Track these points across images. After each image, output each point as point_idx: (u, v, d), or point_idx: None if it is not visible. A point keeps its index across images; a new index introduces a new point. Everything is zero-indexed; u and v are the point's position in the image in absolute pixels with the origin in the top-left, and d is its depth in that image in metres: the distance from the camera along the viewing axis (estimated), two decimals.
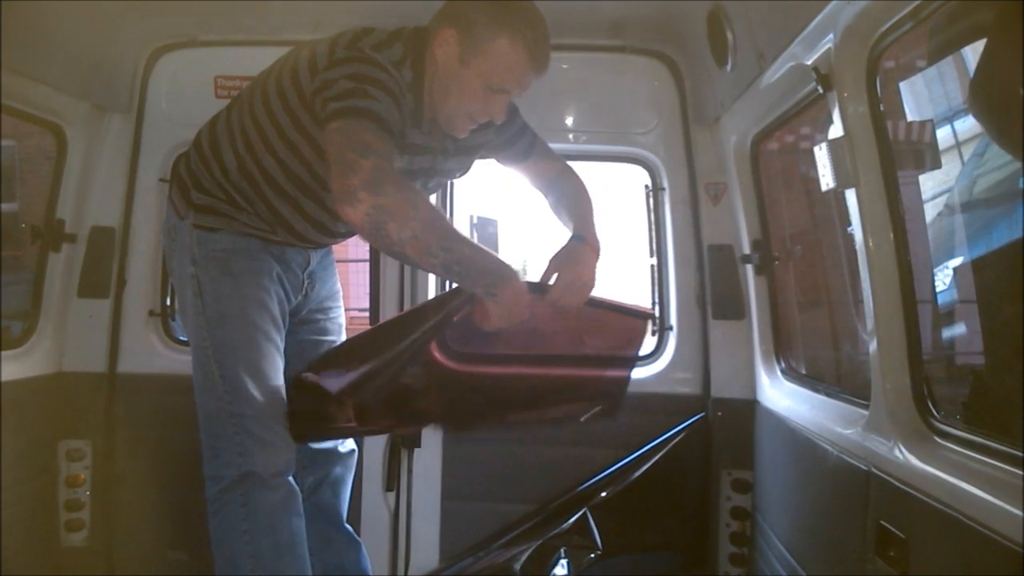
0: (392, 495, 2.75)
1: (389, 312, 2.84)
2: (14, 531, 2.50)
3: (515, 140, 2.20)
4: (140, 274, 2.83)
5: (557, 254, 2.02)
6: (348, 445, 2.32)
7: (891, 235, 1.64)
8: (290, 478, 1.98)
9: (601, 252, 2.08)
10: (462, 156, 2.13)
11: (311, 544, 2.20)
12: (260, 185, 1.96)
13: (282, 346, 2.02)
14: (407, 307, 2.85)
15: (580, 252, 2.03)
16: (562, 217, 2.19)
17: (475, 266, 1.72)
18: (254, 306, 1.97)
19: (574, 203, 2.19)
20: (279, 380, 1.99)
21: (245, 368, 1.94)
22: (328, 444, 2.26)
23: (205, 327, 1.97)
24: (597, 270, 2.04)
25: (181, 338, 2.84)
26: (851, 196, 1.75)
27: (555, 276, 1.98)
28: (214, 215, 1.98)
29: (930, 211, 2.96)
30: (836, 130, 1.75)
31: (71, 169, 2.74)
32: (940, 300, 2.89)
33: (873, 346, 1.68)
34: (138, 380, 2.78)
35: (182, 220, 2.01)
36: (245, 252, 1.99)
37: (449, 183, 2.72)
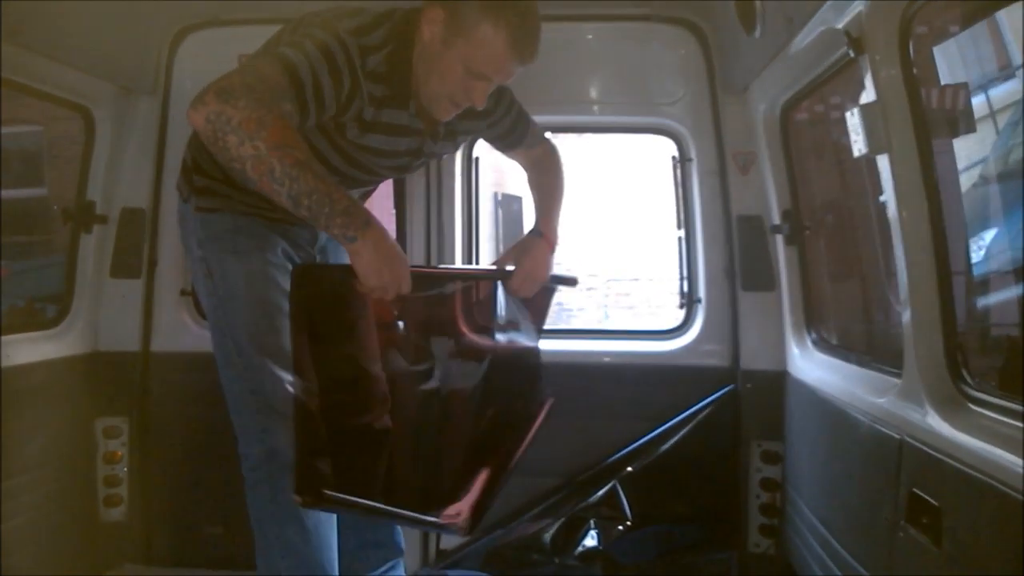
0: None
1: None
2: (55, 506, 2.57)
3: (508, 134, 2.19)
4: (171, 254, 2.86)
5: (515, 246, 2.11)
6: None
7: (925, 200, 1.61)
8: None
9: (557, 246, 2.16)
10: (452, 139, 2.12)
11: (346, 519, 2.24)
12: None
13: None
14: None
15: (537, 247, 2.11)
16: (534, 201, 2.26)
17: (328, 204, 1.61)
18: (261, 281, 1.97)
19: (544, 192, 2.24)
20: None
21: (260, 344, 1.94)
22: None
23: (219, 307, 1.99)
24: (551, 264, 2.14)
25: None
26: (883, 163, 1.72)
27: (510, 267, 2.07)
28: (214, 196, 1.99)
29: (965, 181, 2.92)
30: (868, 95, 1.72)
31: (100, 151, 2.78)
32: (974, 269, 2.85)
33: (906, 313, 1.66)
34: (172, 358, 2.82)
35: (186, 203, 2.03)
36: (248, 231, 1.99)
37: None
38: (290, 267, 2.00)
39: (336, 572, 2.04)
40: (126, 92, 2.78)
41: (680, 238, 2.86)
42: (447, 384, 2.04)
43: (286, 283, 1.96)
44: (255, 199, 1.97)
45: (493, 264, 2.11)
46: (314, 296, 1.77)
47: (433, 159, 2.34)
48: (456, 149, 2.22)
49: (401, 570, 2.43)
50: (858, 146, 1.74)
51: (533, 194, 2.28)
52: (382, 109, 1.84)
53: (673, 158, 2.84)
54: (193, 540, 2.76)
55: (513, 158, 2.32)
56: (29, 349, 2.52)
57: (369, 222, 1.66)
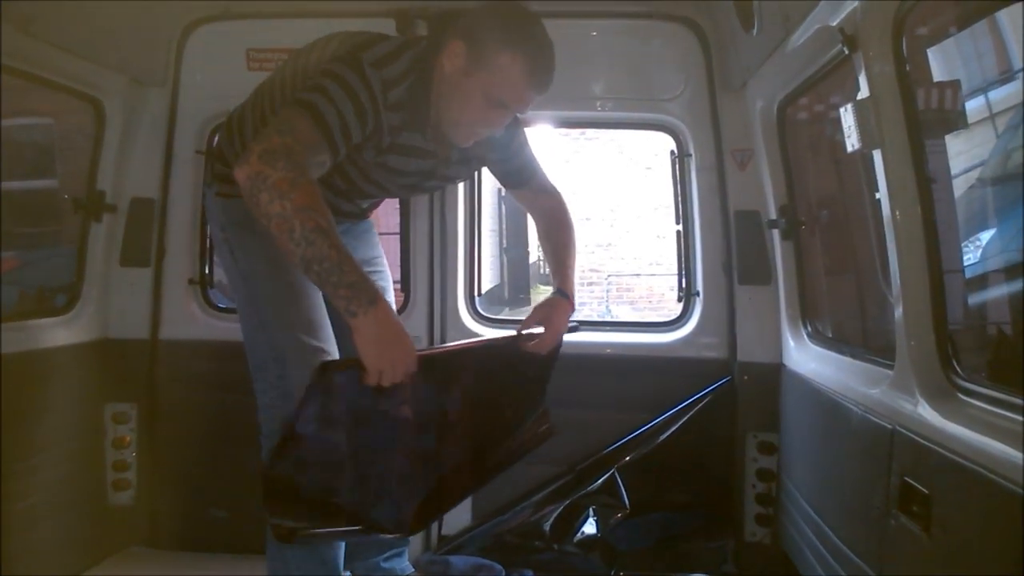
0: None
1: (420, 283, 2.91)
2: (64, 489, 2.63)
3: (518, 171, 2.29)
4: (179, 244, 2.91)
5: (541, 307, 2.20)
6: None
7: (916, 195, 1.65)
8: None
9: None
10: (465, 165, 2.21)
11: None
12: None
13: (319, 294, 2.04)
14: (437, 278, 2.90)
15: (563, 309, 2.21)
16: (546, 253, 2.35)
17: (338, 273, 1.67)
18: (282, 258, 1.96)
19: (561, 249, 2.32)
20: (320, 323, 2.02)
21: (283, 316, 2.00)
22: None
23: (242, 284, 2.07)
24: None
25: (220, 305, 2.94)
26: (877, 158, 1.76)
27: (537, 328, 2.14)
28: (234, 183, 2.03)
29: (963, 183, 2.95)
30: (862, 92, 1.76)
31: (110, 142, 2.82)
32: (971, 268, 2.89)
33: (898, 305, 1.70)
34: (179, 346, 2.87)
35: (210, 188, 2.11)
36: None
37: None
38: None
39: (341, 556, 2.09)
40: (136, 84, 2.83)
41: (678, 232, 2.90)
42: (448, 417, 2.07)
43: None
44: None
45: (520, 329, 2.15)
46: (337, 390, 1.80)
47: (447, 183, 2.43)
48: (470, 177, 2.34)
49: (405, 557, 2.48)
50: (851, 141, 1.78)
51: (547, 249, 2.35)
52: (399, 133, 1.94)
53: (672, 153, 2.88)
54: (200, 524, 2.81)
55: (521, 200, 2.41)
56: (40, 335, 2.57)
57: (374, 299, 1.70)
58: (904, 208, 1.67)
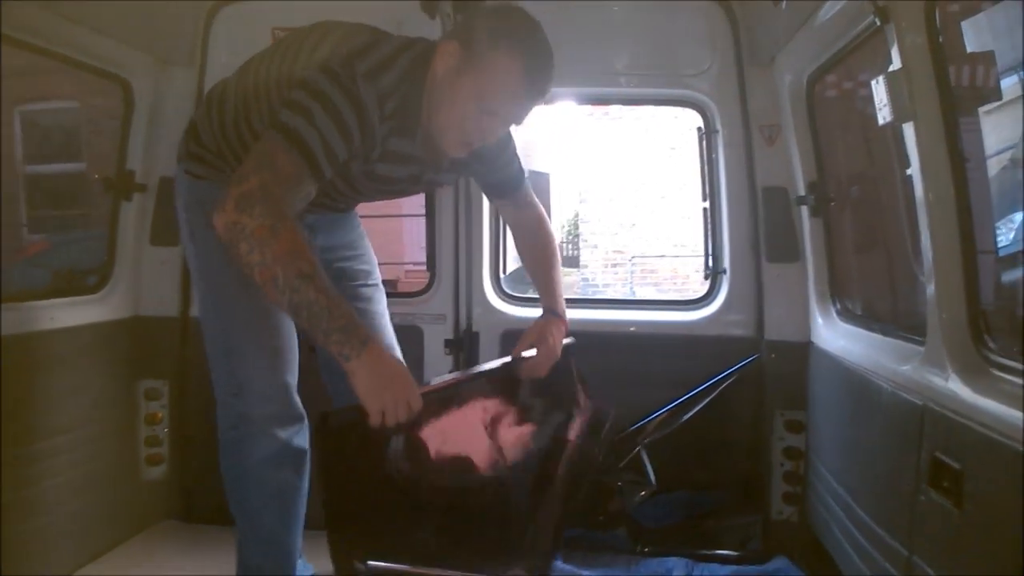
0: None
1: (446, 263, 2.92)
2: (100, 464, 2.68)
3: (506, 182, 2.21)
4: None
5: (533, 329, 2.15)
6: None
7: (949, 167, 1.62)
8: (284, 434, 2.00)
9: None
10: (453, 172, 2.15)
11: None
12: (248, 147, 1.97)
13: None
14: (462, 258, 2.91)
15: (556, 328, 2.17)
16: (531, 270, 2.30)
17: (327, 318, 1.62)
18: None
19: (547, 267, 2.26)
20: (272, 322, 2.00)
21: (234, 310, 1.99)
22: None
23: (198, 271, 2.06)
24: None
25: None
26: (908, 132, 1.73)
27: (531, 350, 2.11)
28: (202, 164, 2.03)
29: (995, 166, 2.90)
30: (894, 64, 1.73)
31: (138, 121, 2.85)
32: (999, 245, 2.84)
33: (930, 280, 1.68)
34: None
35: (180, 165, 2.08)
36: None
37: None
38: None
39: (297, 543, 2.11)
40: (163, 64, 2.85)
41: (705, 210, 2.88)
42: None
43: None
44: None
45: (514, 353, 2.14)
46: (345, 443, 1.71)
47: (433, 188, 2.38)
48: (455, 181, 2.26)
49: None
50: (883, 114, 1.75)
51: (532, 266, 2.30)
52: (390, 139, 1.85)
53: (699, 130, 2.86)
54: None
55: (503, 211, 2.35)
56: (73, 313, 2.61)
57: (366, 342, 1.65)
58: (936, 181, 1.65)
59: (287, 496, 2.05)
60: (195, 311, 2.86)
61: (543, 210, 2.31)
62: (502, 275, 3.00)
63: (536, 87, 1.80)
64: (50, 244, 7.42)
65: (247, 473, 1.99)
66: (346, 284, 2.23)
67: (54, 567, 2.45)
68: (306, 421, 2.05)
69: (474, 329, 2.91)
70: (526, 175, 2.25)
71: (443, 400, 1.93)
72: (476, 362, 2.83)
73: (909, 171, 1.79)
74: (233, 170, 1.92)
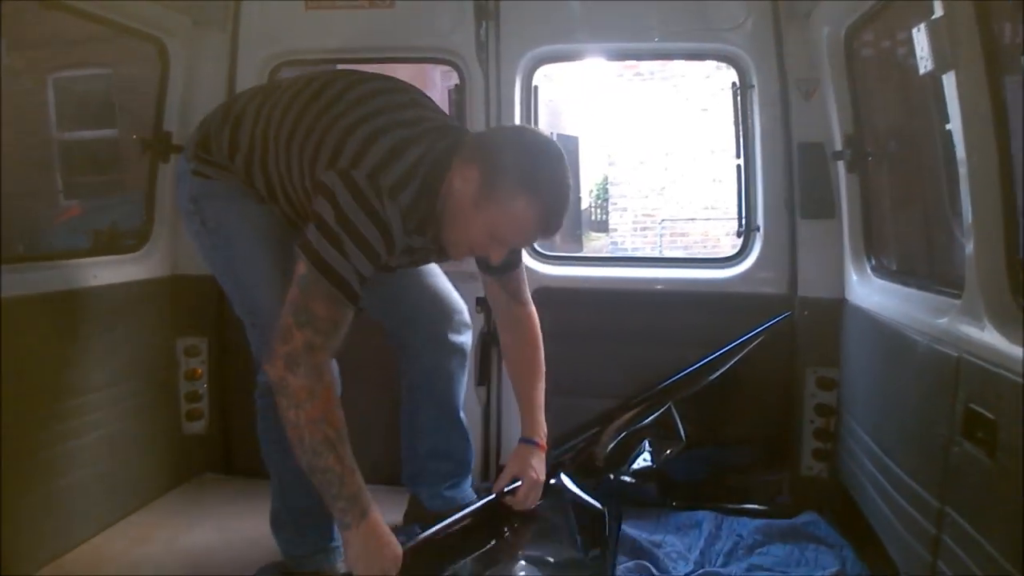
0: (483, 389, 2.90)
1: None
2: (142, 418, 2.76)
3: (504, 266, 2.19)
4: None
5: (512, 461, 2.24)
6: (460, 339, 2.41)
7: (991, 116, 1.60)
8: None
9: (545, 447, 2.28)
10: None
11: (424, 424, 2.40)
12: (256, 178, 2.03)
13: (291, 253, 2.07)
14: None
15: (535, 456, 2.24)
16: (513, 378, 2.32)
17: (337, 486, 1.77)
18: (254, 216, 2.06)
19: (533, 380, 2.28)
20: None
21: (259, 278, 2.04)
22: (443, 334, 2.37)
23: (213, 248, 2.10)
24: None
25: None
26: (950, 81, 1.70)
27: (515, 483, 2.20)
28: (211, 167, 2.07)
29: None
30: (936, 12, 1.69)
31: (174, 83, 2.88)
32: None
33: (968, 232, 1.66)
34: None
35: (188, 163, 2.11)
36: (240, 191, 2.07)
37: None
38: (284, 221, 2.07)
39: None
40: (198, 25, 2.87)
41: (739, 167, 2.86)
42: None
43: (279, 224, 2.07)
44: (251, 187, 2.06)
45: (495, 489, 2.22)
46: None
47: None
48: None
49: (467, 486, 2.55)
50: (924, 65, 1.72)
51: (516, 375, 2.31)
52: (408, 240, 1.91)
53: (733, 85, 2.83)
54: None
55: (493, 296, 2.31)
56: (114, 271, 2.68)
57: (366, 514, 1.80)
58: (977, 131, 1.62)
59: None
60: None
61: (534, 311, 2.31)
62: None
63: (551, 228, 1.85)
64: (83, 209, 7.53)
65: (286, 437, 2.03)
66: None
67: (98, 517, 2.55)
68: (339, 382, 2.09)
69: None
70: (522, 260, 2.26)
71: (433, 549, 2.03)
72: None
73: (949, 126, 1.76)
74: (240, 174, 2.02)
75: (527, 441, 2.27)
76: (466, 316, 2.42)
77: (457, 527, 2.12)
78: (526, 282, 2.30)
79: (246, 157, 2.01)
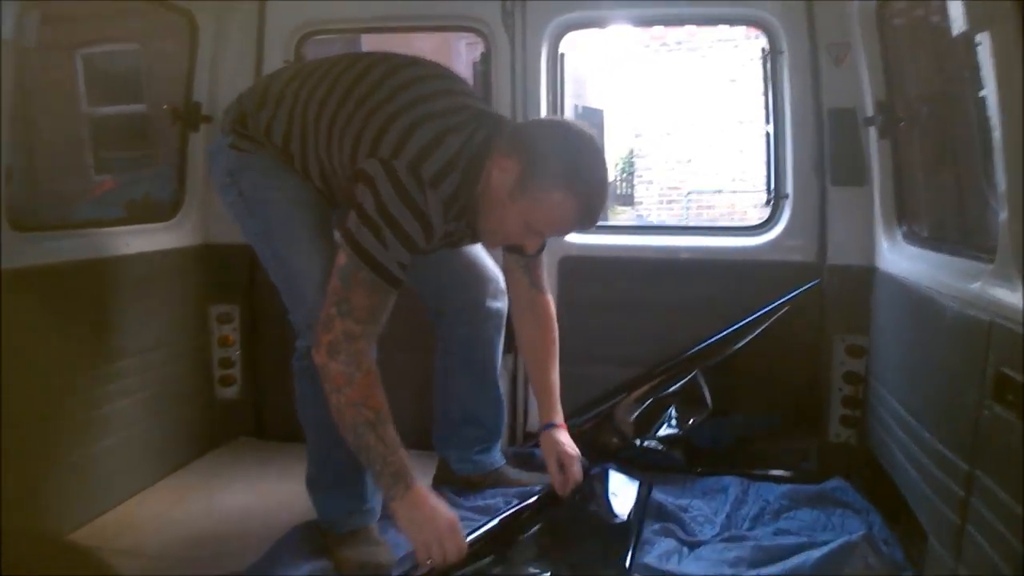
0: (511, 357, 2.92)
1: None
2: (177, 383, 2.83)
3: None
4: None
5: (547, 451, 2.28)
6: (497, 304, 2.44)
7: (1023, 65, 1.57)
8: None
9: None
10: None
11: (458, 390, 2.44)
12: (294, 157, 2.05)
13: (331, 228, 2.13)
14: None
15: (562, 436, 2.30)
16: (531, 365, 2.36)
17: (381, 463, 1.85)
18: (292, 188, 2.08)
19: (550, 366, 2.32)
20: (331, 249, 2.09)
21: (296, 243, 2.06)
22: (480, 301, 2.41)
23: (250, 217, 2.11)
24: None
25: None
26: (984, 46, 1.67)
27: (557, 473, 2.25)
28: (249, 142, 2.09)
29: None
30: None
31: (203, 55, 2.91)
32: None
33: (1002, 193, 1.64)
34: None
35: (224, 138, 2.12)
36: (278, 165, 2.09)
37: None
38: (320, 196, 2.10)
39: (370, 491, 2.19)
40: None
41: (768, 134, 2.83)
42: None
43: (315, 195, 2.09)
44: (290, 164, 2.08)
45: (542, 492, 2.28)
46: None
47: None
48: None
49: (496, 451, 2.59)
50: (957, 25, 1.69)
51: (533, 362, 2.35)
52: (446, 228, 1.96)
53: (763, 51, 2.79)
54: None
55: (513, 274, 2.31)
56: (147, 239, 2.74)
57: (410, 487, 1.87)
58: (1011, 88, 1.59)
59: None
60: None
61: (551, 299, 2.35)
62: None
63: (588, 221, 1.89)
64: (116, 183, 7.65)
65: (324, 402, 2.06)
66: None
67: (134, 480, 2.62)
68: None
69: None
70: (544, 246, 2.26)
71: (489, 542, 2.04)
72: None
73: (982, 92, 1.73)
74: (278, 150, 2.04)
75: (550, 426, 2.31)
76: (502, 283, 2.44)
77: (515, 518, 2.18)
78: (545, 268, 2.34)
79: (284, 139, 2.04)
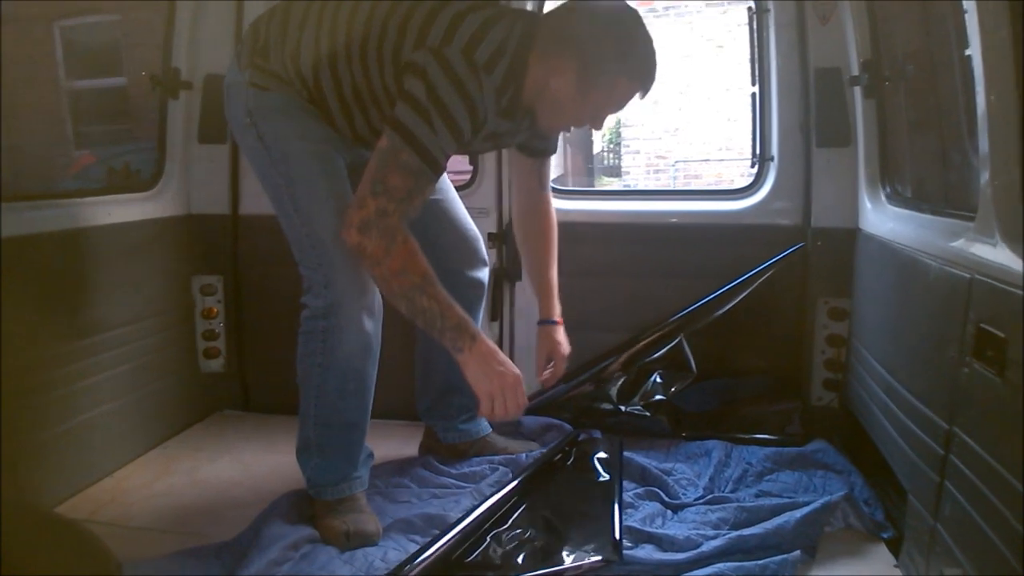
0: (496, 324, 2.92)
1: (488, 159, 2.91)
2: (160, 357, 2.81)
3: (550, 148, 2.34)
4: None
5: (541, 344, 2.39)
6: (478, 274, 2.44)
7: (1008, 29, 1.55)
8: (370, 325, 2.06)
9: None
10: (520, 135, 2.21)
11: (439, 358, 2.41)
12: (323, 83, 2.00)
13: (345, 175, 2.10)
14: (504, 153, 2.89)
15: (558, 333, 2.39)
16: (531, 262, 2.43)
17: (440, 320, 1.88)
18: (314, 138, 2.04)
19: (549, 263, 2.40)
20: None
21: (317, 195, 2.02)
22: (460, 269, 2.41)
23: (271, 166, 2.05)
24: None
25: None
26: (970, 6, 1.66)
27: (550, 366, 2.38)
28: (270, 77, 2.02)
29: None
30: None
31: (181, 19, 2.85)
32: None
33: (983, 149, 1.63)
34: (259, 220, 2.96)
35: (240, 73, 2.05)
36: (299, 106, 2.04)
37: None
38: (339, 143, 2.09)
39: (365, 424, 2.18)
40: None
41: (754, 95, 2.81)
42: None
43: (335, 144, 2.07)
44: (312, 101, 2.04)
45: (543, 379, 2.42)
46: None
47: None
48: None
49: (483, 420, 2.59)
50: None
51: (534, 259, 2.41)
52: (494, 123, 1.97)
53: (749, 9, 2.76)
54: (286, 388, 2.91)
55: (522, 176, 2.38)
56: (128, 209, 2.70)
57: (476, 337, 1.90)
58: (994, 43, 1.58)
59: (366, 384, 2.13)
60: (246, 208, 3.00)
61: (551, 198, 2.43)
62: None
63: (647, 91, 1.96)
64: (96, 157, 7.56)
65: (333, 364, 2.05)
66: None
67: (119, 452, 2.62)
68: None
69: None
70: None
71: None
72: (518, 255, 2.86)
73: (968, 51, 1.72)
74: (300, 90, 2.00)
75: (547, 322, 2.39)
76: (483, 251, 2.44)
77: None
78: (550, 175, 2.41)
79: (314, 64, 1.98)
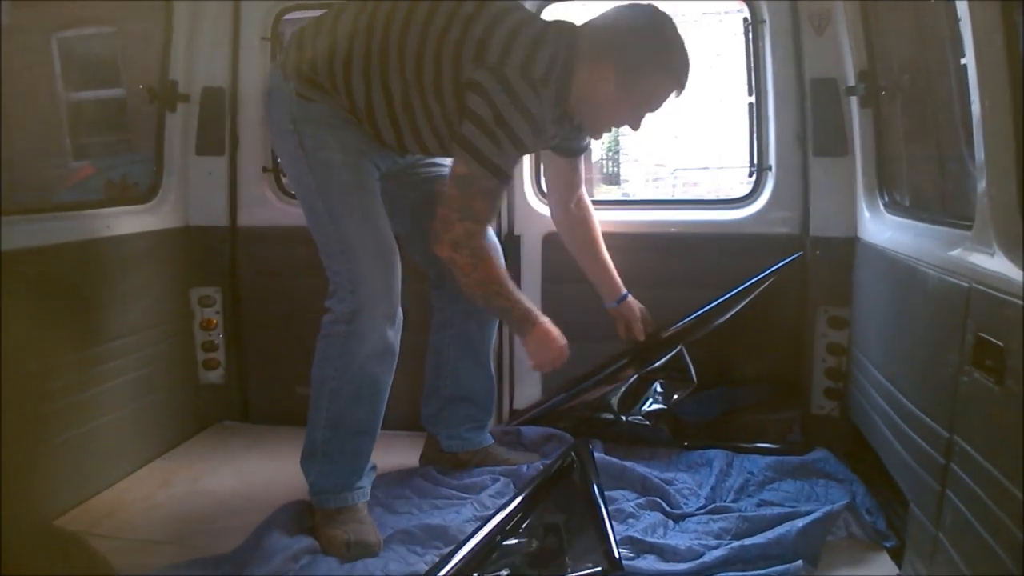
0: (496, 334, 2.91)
1: None
2: (160, 368, 2.81)
3: (583, 148, 2.48)
4: (251, 132, 2.98)
5: (618, 319, 2.69)
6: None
7: (1003, 40, 1.56)
8: (391, 333, 2.13)
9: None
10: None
11: (450, 365, 2.50)
12: (373, 97, 2.05)
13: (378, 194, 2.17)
14: None
15: (629, 307, 2.68)
16: (589, 253, 2.62)
17: (511, 313, 2.20)
18: (353, 150, 2.10)
19: (602, 248, 2.62)
20: (384, 220, 2.14)
21: (351, 206, 2.08)
22: None
23: (309, 173, 2.10)
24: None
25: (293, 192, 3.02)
26: (963, 13, 1.66)
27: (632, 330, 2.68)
28: (316, 90, 2.07)
29: None
30: None
31: (179, 32, 2.86)
32: None
33: (980, 161, 1.64)
34: (257, 232, 2.98)
35: (285, 81, 2.09)
36: (341, 118, 2.09)
37: None
38: (376, 155, 2.16)
39: (375, 434, 2.21)
40: None
41: (751, 105, 2.82)
42: None
43: (373, 158, 2.15)
44: (351, 112, 2.09)
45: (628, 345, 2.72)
46: None
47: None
48: None
49: (486, 430, 2.60)
50: None
51: (588, 253, 2.61)
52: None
53: (745, 20, 2.78)
54: (286, 399, 2.95)
55: (559, 178, 2.54)
56: (127, 221, 2.70)
57: (536, 323, 2.22)
58: (990, 53, 1.59)
59: (380, 392, 2.16)
60: (244, 220, 3.00)
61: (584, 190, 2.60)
62: (543, 178, 2.99)
63: (684, 88, 2.10)
64: (95, 168, 7.54)
65: (350, 368, 2.09)
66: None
67: (120, 464, 2.61)
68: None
69: (516, 232, 2.92)
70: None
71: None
72: (519, 266, 2.88)
73: (964, 60, 1.72)
74: (344, 102, 2.07)
75: (625, 297, 2.67)
76: (501, 258, 2.45)
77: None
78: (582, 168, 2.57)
79: (364, 78, 2.04)
